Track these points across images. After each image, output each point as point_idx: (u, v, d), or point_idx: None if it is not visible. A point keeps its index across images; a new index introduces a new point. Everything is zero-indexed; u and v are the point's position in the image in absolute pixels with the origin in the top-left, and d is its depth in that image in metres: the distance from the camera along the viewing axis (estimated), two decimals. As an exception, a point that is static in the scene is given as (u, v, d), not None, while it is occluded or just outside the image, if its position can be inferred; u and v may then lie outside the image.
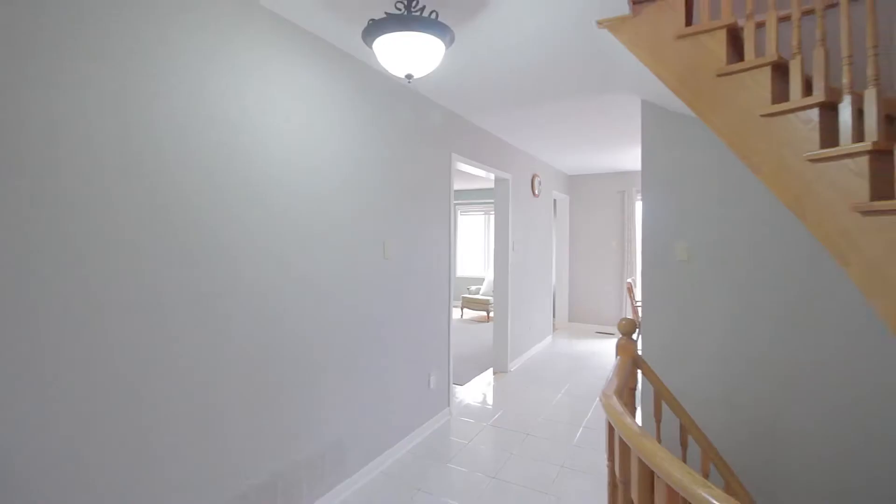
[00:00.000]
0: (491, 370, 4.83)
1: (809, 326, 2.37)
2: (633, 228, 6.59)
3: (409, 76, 1.85)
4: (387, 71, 2.75)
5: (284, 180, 2.10)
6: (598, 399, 3.92)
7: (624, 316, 6.17)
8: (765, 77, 1.55)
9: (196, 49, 1.70)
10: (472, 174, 6.29)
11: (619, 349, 1.93)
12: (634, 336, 3.14)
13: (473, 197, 9.13)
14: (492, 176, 4.56)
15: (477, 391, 4.18)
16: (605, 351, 5.66)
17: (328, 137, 2.37)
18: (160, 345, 1.58)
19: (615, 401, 1.32)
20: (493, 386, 4.32)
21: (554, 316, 6.90)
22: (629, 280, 5.48)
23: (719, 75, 1.65)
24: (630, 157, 5.74)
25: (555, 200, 6.75)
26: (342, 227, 2.47)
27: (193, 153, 1.69)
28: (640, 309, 5.27)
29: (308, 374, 2.22)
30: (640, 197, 6.67)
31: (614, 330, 6.77)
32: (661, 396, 2.07)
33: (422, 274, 3.20)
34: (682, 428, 2.04)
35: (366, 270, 2.63)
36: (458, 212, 9.40)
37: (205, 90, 1.73)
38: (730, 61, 1.65)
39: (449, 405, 3.57)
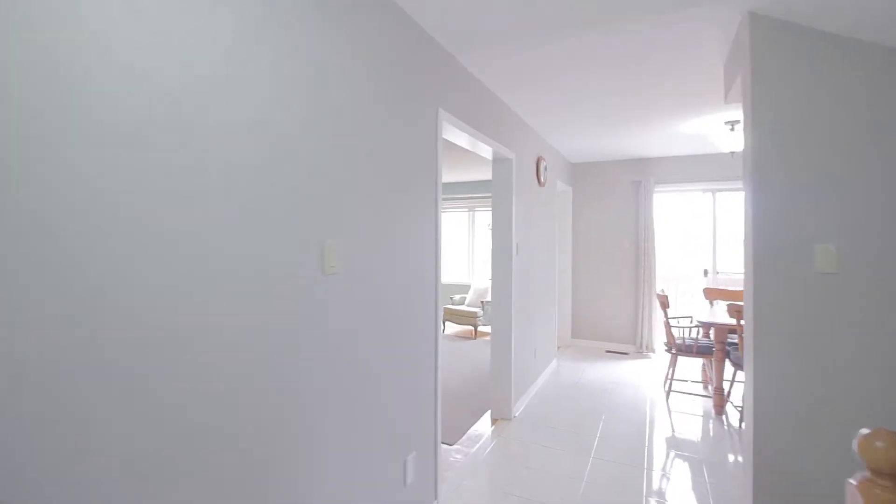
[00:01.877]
0: (489, 416, 3.60)
1: None
2: (650, 226, 5.48)
3: None
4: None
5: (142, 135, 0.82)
6: (659, 473, 2.73)
7: (640, 332, 4.95)
8: None
9: None
10: (464, 150, 5.04)
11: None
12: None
13: (455, 191, 7.90)
14: (487, 154, 3.32)
15: (474, 461, 2.93)
16: (625, 379, 4.50)
17: (251, 72, 1.09)
18: None
19: None
20: (496, 447, 3.08)
21: (555, 332, 5.74)
22: (660, 291, 4.34)
23: None
24: (651, 141, 4.61)
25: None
26: (250, 221, 1.19)
27: None
28: (680, 331, 4.17)
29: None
30: (659, 188, 5.57)
31: (626, 348, 5.66)
32: None
33: (392, 298, 1.94)
34: None
35: (291, 295, 1.36)
36: (438, 208, 8.13)
37: None
38: None
39: (437, 497, 2.31)
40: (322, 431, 1.51)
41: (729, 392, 3.66)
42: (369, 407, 1.76)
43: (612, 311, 5.76)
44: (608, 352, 5.62)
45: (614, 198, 5.77)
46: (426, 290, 2.24)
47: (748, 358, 1.95)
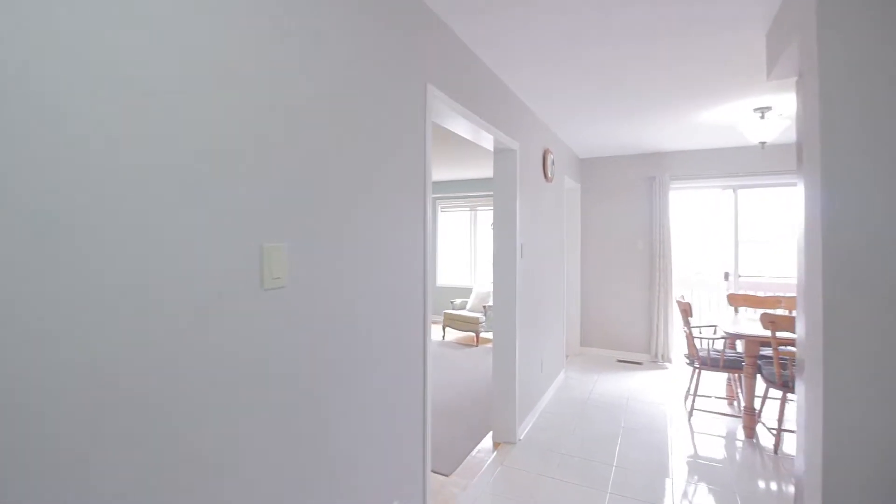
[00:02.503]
0: (490, 438, 3.20)
1: None
2: (666, 226, 5.07)
3: None
4: None
5: None
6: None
7: (655, 341, 4.62)
8: None
9: None
10: (463, 141, 4.65)
11: None
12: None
13: (456, 189, 7.52)
14: (488, 143, 2.94)
15: (474, 498, 2.54)
16: (640, 393, 4.10)
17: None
18: None
19: None
20: (498, 478, 2.69)
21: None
22: (680, 297, 3.93)
23: None
24: (668, 133, 4.21)
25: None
26: (163, 221, 0.81)
27: None
28: (701, 341, 3.73)
29: None
30: (675, 185, 5.16)
31: (640, 357, 5.25)
32: None
33: (363, 313, 1.55)
34: None
35: (213, 319, 0.98)
36: (438, 208, 7.76)
37: None
38: None
39: (424, 552, 1.92)
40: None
41: (760, 411, 3.25)
42: (331, 460, 1.38)
43: (625, 317, 5.35)
44: (620, 361, 5.21)
45: (627, 195, 5.37)
46: (410, 299, 1.86)
47: (812, 383, 1.55)
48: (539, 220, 3.71)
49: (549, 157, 3.87)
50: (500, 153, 3.15)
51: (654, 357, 5.12)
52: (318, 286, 1.33)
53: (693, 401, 3.58)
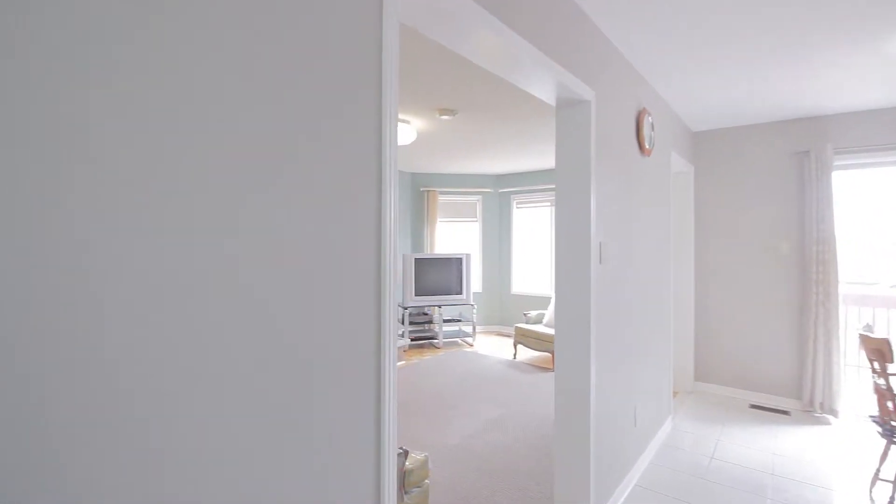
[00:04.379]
0: (549, 527, 2.19)
1: None
2: (827, 220, 3.56)
3: None
4: None
5: None
6: None
7: (811, 382, 3.05)
8: None
9: None
10: (535, 115, 3.70)
11: None
12: None
13: (532, 181, 6.48)
14: (545, 90, 1.96)
15: None
16: (790, 464, 2.73)
17: None
18: None
19: None
20: None
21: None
22: (863, 328, 2.54)
23: None
24: (833, 81, 2.81)
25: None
26: None
27: None
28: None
29: None
30: (841, 161, 3.63)
31: (786, 404, 3.77)
32: None
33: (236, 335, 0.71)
34: None
35: None
36: (514, 203, 6.78)
37: None
38: None
39: None
40: None
41: None
42: None
43: (762, 346, 3.90)
44: (755, 407, 3.77)
45: (764, 179, 3.92)
46: (347, 315, 0.98)
47: None
48: (631, 210, 2.61)
49: (647, 120, 2.74)
50: (565, 107, 2.14)
51: (810, 405, 3.62)
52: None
53: (893, 492, 2.21)
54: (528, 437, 3.18)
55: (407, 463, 1.88)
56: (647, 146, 2.74)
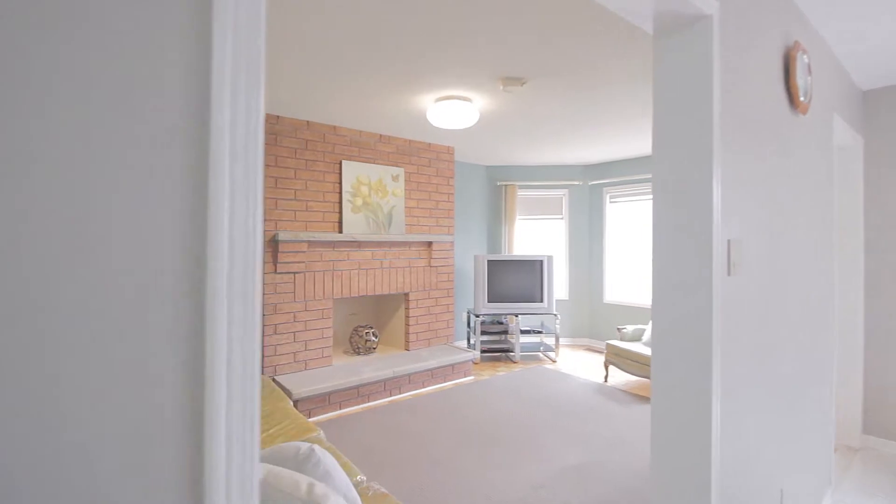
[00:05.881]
0: None
1: None
2: None
3: None
4: None
5: None
6: None
7: None
8: None
9: None
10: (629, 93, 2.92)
11: None
12: None
13: (632, 169, 5.52)
14: (630, 7, 1.25)
15: None
16: None
17: None
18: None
19: None
20: None
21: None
22: None
23: None
24: None
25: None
26: None
27: None
28: None
29: None
30: None
31: None
32: None
33: None
34: None
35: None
36: (607, 197, 5.85)
37: None
38: None
39: None
40: None
41: None
42: None
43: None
44: (972, 484, 2.56)
45: None
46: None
47: None
48: (777, 195, 1.75)
49: (801, 59, 1.84)
50: (670, 32, 1.39)
51: None
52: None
53: None
54: (618, 497, 2.41)
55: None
56: (802, 98, 1.85)
